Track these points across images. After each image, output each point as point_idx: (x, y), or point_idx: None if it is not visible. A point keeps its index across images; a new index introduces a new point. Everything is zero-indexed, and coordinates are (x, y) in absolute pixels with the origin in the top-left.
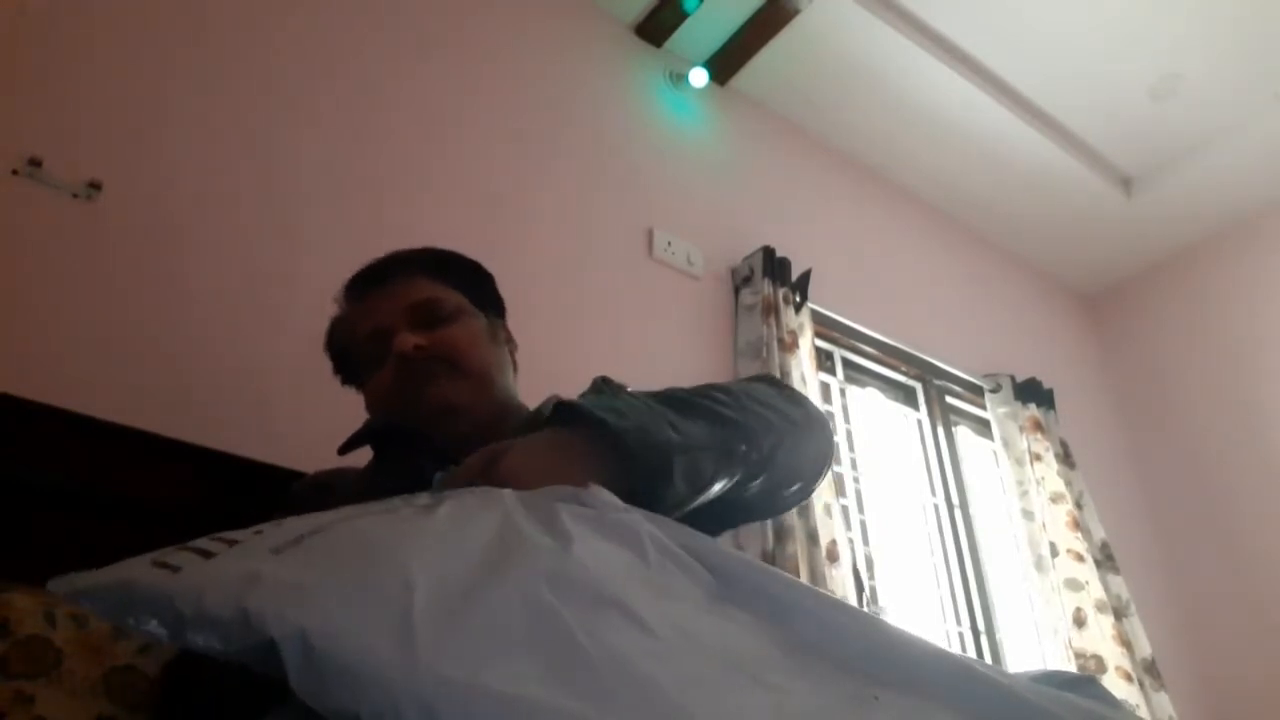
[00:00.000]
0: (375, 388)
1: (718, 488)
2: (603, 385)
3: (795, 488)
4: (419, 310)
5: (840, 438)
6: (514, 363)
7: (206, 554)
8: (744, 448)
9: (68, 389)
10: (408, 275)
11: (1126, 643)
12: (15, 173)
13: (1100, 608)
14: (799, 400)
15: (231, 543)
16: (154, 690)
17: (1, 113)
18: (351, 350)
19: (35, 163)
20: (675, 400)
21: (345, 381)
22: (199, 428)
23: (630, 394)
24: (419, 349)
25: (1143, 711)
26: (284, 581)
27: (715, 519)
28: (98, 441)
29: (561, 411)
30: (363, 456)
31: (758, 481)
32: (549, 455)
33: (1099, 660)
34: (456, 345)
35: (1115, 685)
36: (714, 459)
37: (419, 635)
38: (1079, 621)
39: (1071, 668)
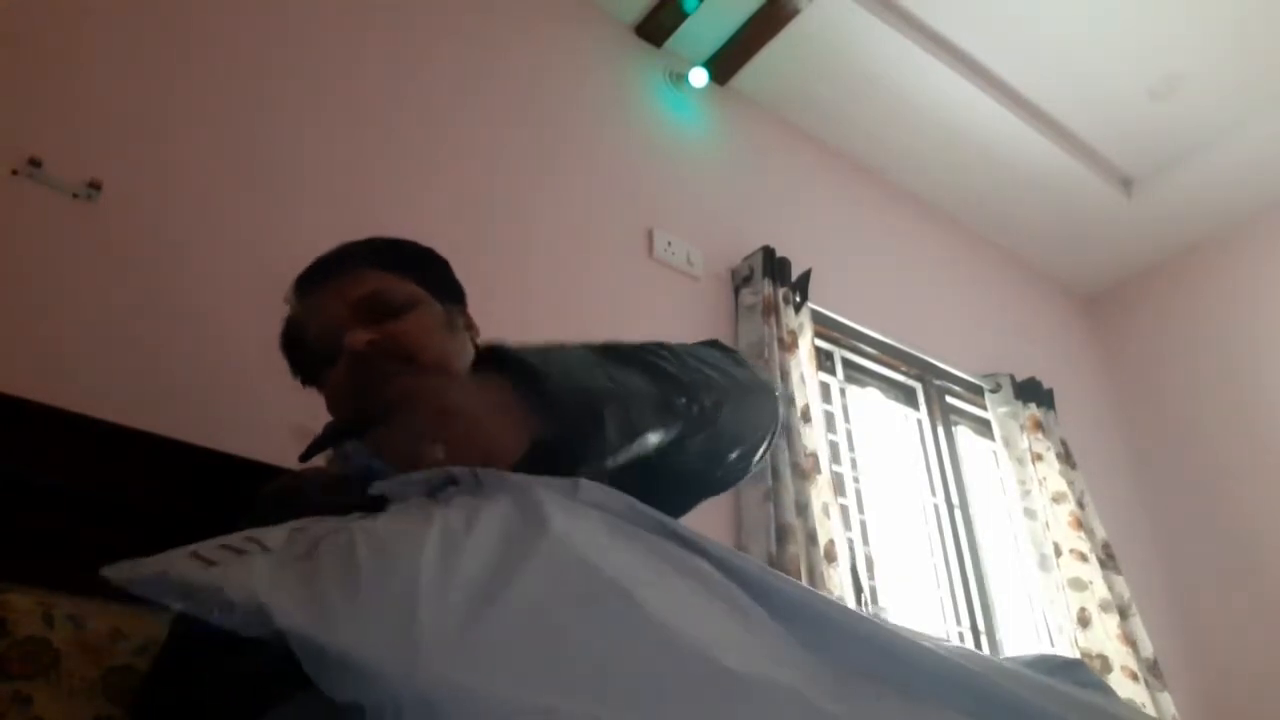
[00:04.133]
0: (332, 387)
1: (654, 439)
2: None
3: (735, 454)
4: (368, 303)
5: (840, 438)
6: (477, 350)
7: (240, 552)
8: (683, 400)
9: (67, 389)
10: (354, 268)
11: (1131, 642)
12: (15, 173)
13: (1104, 607)
14: (744, 363)
15: (265, 548)
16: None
17: (1, 113)
18: (304, 349)
19: (35, 163)
20: (613, 350)
21: (305, 382)
22: (199, 428)
23: (571, 345)
24: (371, 345)
25: (1149, 711)
26: (298, 583)
27: (665, 495)
28: (97, 441)
29: (490, 357)
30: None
31: (698, 439)
32: (465, 413)
33: (1104, 660)
34: (410, 338)
35: (1121, 685)
36: (650, 410)
37: (423, 635)
38: (1083, 621)
39: None
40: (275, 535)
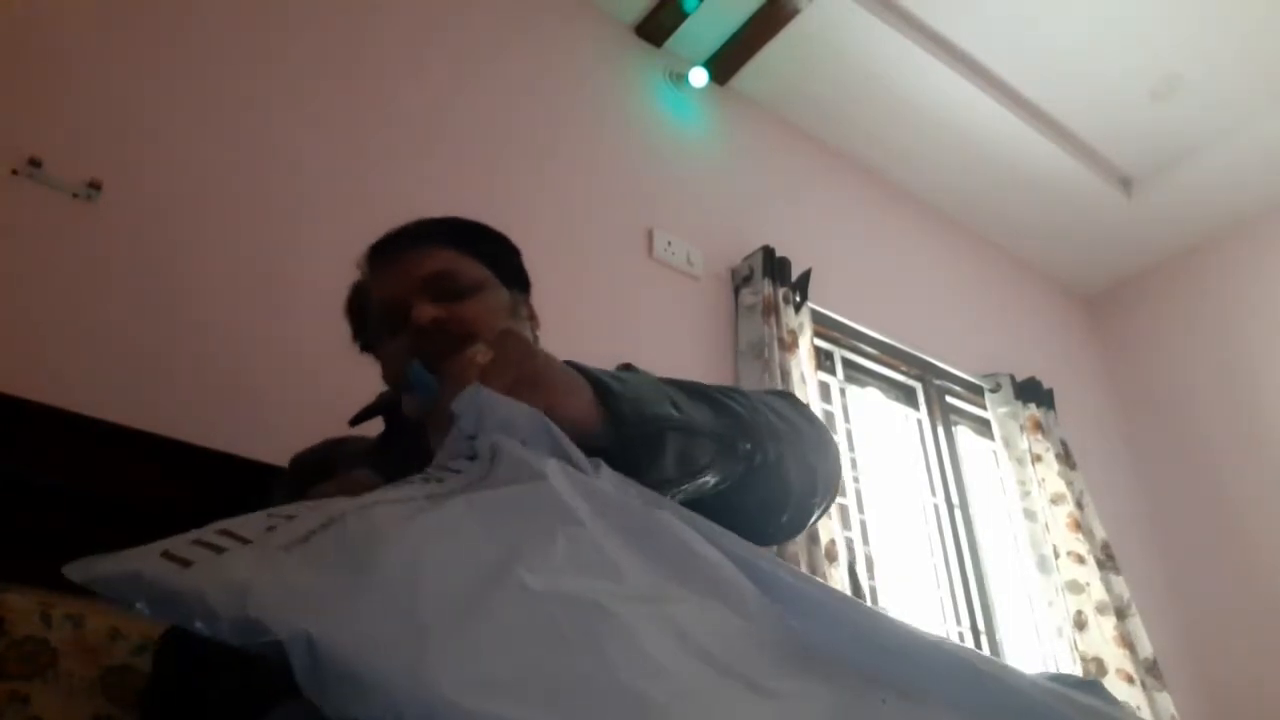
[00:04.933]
0: (391, 356)
1: (712, 479)
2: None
3: (791, 512)
4: (438, 281)
5: (840, 437)
6: (536, 340)
7: (218, 549)
8: (748, 446)
9: (68, 389)
10: (429, 244)
11: (1128, 644)
12: (15, 173)
13: (1101, 609)
14: (813, 419)
15: (243, 540)
16: (141, 690)
17: (1, 113)
18: (369, 316)
19: (35, 163)
20: (687, 385)
21: (363, 348)
22: (198, 428)
23: (644, 374)
24: (436, 322)
25: (1145, 713)
26: (288, 585)
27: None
28: (96, 441)
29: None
30: (373, 427)
31: (760, 491)
32: (549, 377)
33: (1099, 663)
34: (475, 321)
35: (1116, 687)
36: (713, 448)
37: (426, 646)
38: (1080, 624)
39: (1075, 670)
40: (252, 524)
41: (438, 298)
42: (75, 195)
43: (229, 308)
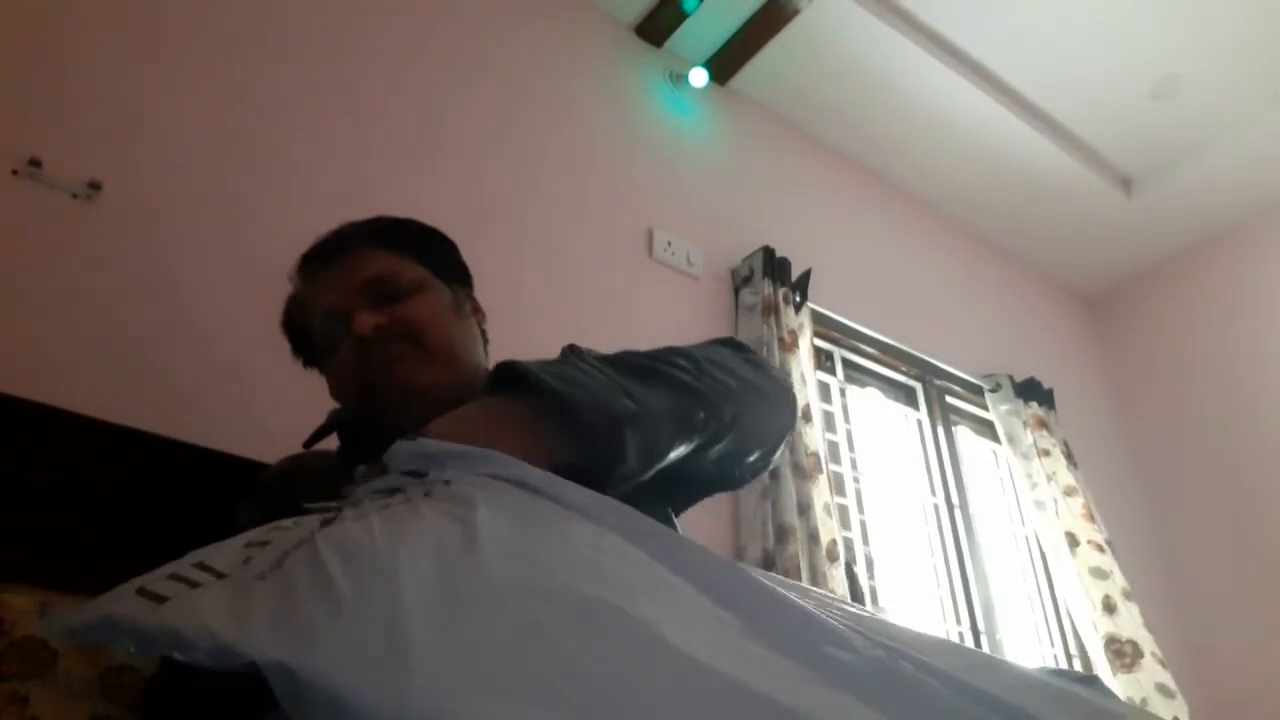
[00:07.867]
0: (336, 371)
1: (674, 455)
2: (569, 353)
3: (755, 456)
4: (375, 286)
5: (840, 438)
6: (483, 334)
7: (192, 584)
8: (703, 416)
9: (68, 389)
10: (362, 248)
11: (1153, 630)
12: (15, 173)
13: (1127, 595)
14: (760, 364)
15: (219, 574)
16: (142, 695)
17: (1, 113)
18: (309, 331)
19: (35, 163)
20: (633, 366)
21: (306, 364)
22: (198, 428)
23: (585, 358)
24: (379, 329)
25: (1187, 694)
26: (264, 616)
27: (674, 493)
28: (97, 441)
29: (504, 373)
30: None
31: (717, 448)
32: (484, 430)
33: (1134, 645)
34: (418, 322)
35: (1153, 671)
36: (671, 429)
37: (409, 663)
38: (1109, 608)
39: (1102, 656)
40: (228, 555)
41: (377, 303)
42: (75, 195)
43: (229, 308)
